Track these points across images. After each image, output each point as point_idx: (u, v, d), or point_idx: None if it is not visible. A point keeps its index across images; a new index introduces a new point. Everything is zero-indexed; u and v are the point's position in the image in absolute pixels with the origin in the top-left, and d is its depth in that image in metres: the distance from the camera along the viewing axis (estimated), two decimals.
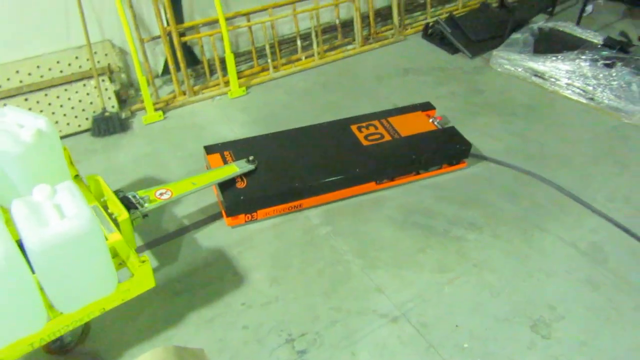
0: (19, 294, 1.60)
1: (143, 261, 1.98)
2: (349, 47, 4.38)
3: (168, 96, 3.66)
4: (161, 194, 2.40)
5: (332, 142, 3.08)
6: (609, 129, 3.57)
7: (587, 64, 3.80)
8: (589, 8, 5.04)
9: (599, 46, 4.01)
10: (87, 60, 3.29)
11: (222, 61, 3.74)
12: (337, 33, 4.38)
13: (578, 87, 3.81)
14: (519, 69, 4.07)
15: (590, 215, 2.89)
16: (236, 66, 3.80)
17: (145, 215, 2.29)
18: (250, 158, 2.78)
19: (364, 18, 4.48)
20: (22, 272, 1.58)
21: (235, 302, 2.35)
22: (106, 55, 3.41)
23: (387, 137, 3.10)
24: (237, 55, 3.98)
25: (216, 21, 3.59)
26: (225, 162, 2.82)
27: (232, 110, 3.62)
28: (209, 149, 2.91)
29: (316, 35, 4.12)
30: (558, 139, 3.46)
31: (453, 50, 4.40)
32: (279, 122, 3.35)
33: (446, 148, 3.07)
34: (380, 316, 2.31)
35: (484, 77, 4.11)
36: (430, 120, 3.28)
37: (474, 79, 4.08)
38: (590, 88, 3.75)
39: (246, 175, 2.75)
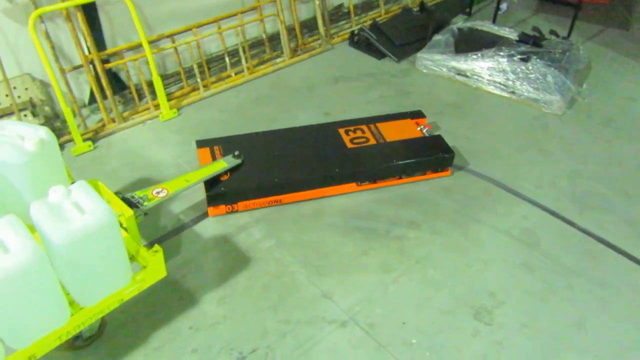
0: (45, 289, 1.70)
1: (156, 251, 2.09)
2: (278, 60, 4.41)
3: (96, 125, 3.57)
4: (158, 193, 2.53)
5: (318, 143, 3.18)
6: (531, 120, 3.76)
7: (505, 59, 3.99)
8: (504, 6, 5.31)
9: (515, 42, 4.23)
10: (7, 96, 3.17)
11: (150, 84, 3.69)
12: (264, 47, 4.41)
13: (499, 83, 4.00)
14: (443, 69, 4.23)
15: (521, 202, 3.03)
16: (165, 88, 3.76)
17: (145, 214, 2.42)
18: (236, 153, 2.91)
19: (290, 30, 4.53)
20: (47, 268, 1.67)
21: (182, 327, 2.31)
22: (26, 89, 3.30)
23: (372, 141, 3.18)
24: (165, 77, 3.93)
25: (140, 45, 3.54)
26: (213, 156, 2.97)
27: (165, 133, 3.57)
28: (200, 143, 3.09)
29: (244, 51, 4.14)
30: (485, 133, 3.61)
31: (380, 55, 4.51)
32: None
33: (428, 155, 3.12)
34: (329, 322, 2.34)
35: (410, 79, 4.24)
36: (419, 128, 3.35)
37: (401, 81, 4.20)
38: (510, 82, 3.93)
39: (232, 169, 2.86)
